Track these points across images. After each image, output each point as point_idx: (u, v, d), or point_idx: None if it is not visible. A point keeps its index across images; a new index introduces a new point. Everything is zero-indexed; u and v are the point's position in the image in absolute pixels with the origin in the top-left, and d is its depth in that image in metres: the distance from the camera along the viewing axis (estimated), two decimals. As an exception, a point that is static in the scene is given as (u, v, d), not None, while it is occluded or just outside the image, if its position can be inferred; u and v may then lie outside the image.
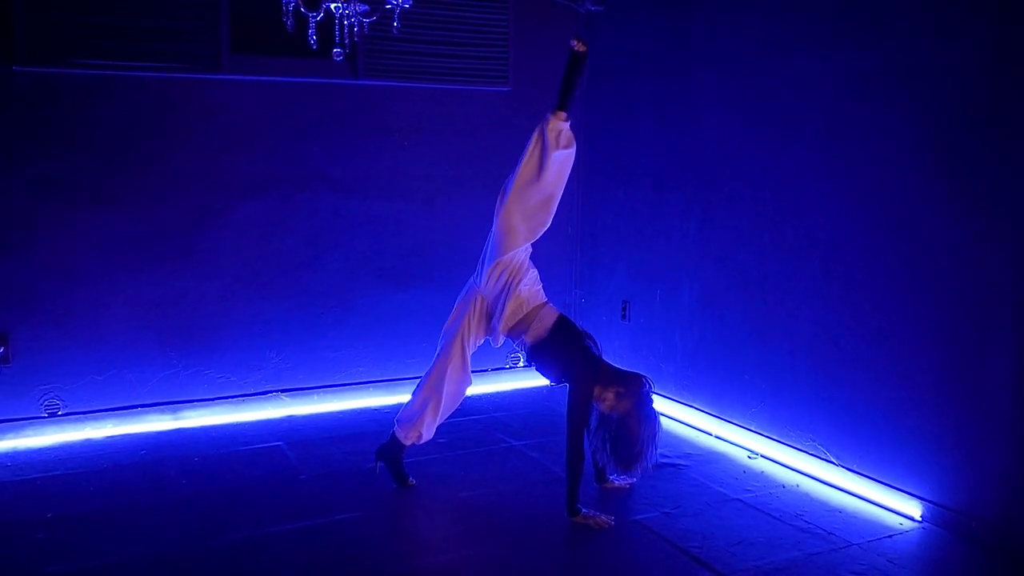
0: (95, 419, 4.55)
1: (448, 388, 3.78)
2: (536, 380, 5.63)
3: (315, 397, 5.05)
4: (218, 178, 4.71)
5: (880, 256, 3.64)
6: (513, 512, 3.59)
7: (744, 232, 4.34)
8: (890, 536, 3.38)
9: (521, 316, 3.68)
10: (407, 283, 5.27)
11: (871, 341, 3.70)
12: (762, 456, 4.23)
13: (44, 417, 4.46)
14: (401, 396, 5.19)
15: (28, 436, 4.39)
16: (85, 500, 3.66)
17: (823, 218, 3.90)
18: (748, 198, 4.31)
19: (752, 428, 4.35)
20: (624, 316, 5.29)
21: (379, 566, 3.11)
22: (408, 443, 3.83)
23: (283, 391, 4.98)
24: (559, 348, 3.62)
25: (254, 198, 4.81)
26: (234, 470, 4.03)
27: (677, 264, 4.82)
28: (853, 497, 3.74)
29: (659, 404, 4.96)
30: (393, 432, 3.86)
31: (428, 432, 3.83)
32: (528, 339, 3.67)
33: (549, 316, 3.69)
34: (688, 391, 4.80)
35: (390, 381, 5.24)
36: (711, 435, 4.56)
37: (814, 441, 4.00)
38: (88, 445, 4.36)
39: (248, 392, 4.90)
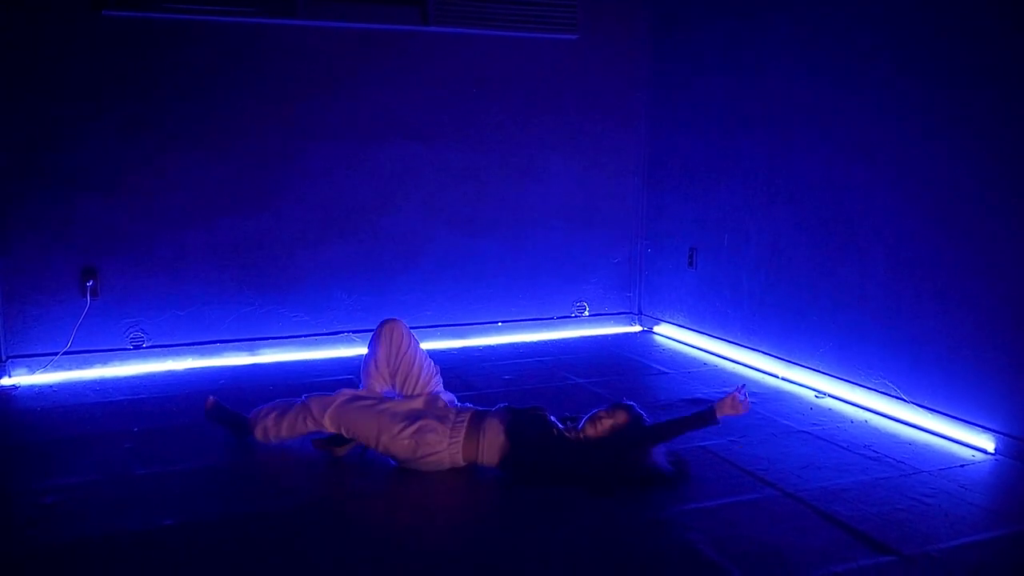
0: (176, 353, 4.75)
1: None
2: (600, 328, 5.69)
3: (385, 339, 5.17)
4: (295, 123, 4.85)
5: (958, 187, 3.58)
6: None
7: (814, 172, 4.30)
8: (962, 466, 3.33)
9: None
10: (475, 230, 5.35)
11: (945, 275, 3.64)
12: (829, 396, 4.20)
13: (129, 349, 4.67)
14: (470, 340, 5.30)
15: (114, 366, 4.61)
16: (168, 418, 3.84)
17: (897, 152, 3.84)
18: (818, 138, 4.27)
19: (819, 369, 4.32)
20: (691, 264, 5.28)
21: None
22: (255, 430, 3.40)
23: (354, 332, 5.11)
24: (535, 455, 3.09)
25: (329, 143, 4.94)
26: (306, 387, 4.17)
27: (745, 208, 4.80)
28: (924, 432, 3.70)
29: (726, 349, 4.99)
30: (249, 417, 3.44)
31: (264, 434, 3.37)
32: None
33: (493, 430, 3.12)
34: (755, 335, 4.78)
35: (456, 326, 5.34)
36: (777, 377, 4.54)
37: (883, 379, 3.95)
38: (170, 375, 4.55)
39: (320, 332, 5.05)
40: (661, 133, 5.54)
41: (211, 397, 3.58)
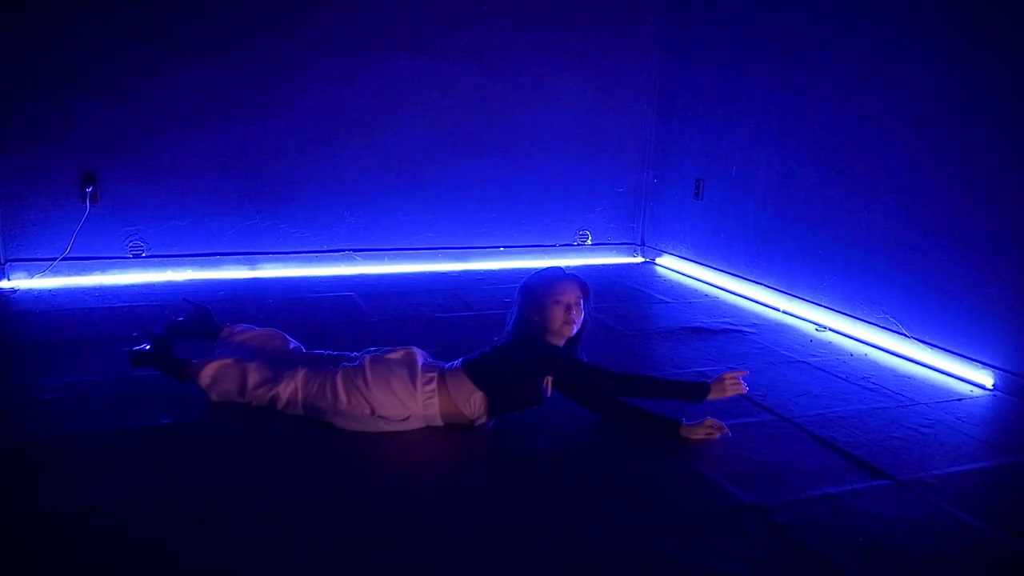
0: (176, 263, 4.72)
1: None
2: (602, 257, 5.67)
3: (386, 259, 5.14)
4: (301, 33, 4.74)
5: (975, 122, 3.51)
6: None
7: (828, 102, 4.22)
8: (960, 400, 3.34)
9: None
10: (481, 153, 5.27)
11: (954, 211, 3.60)
12: (830, 330, 4.20)
13: (129, 258, 4.64)
14: (471, 264, 5.27)
15: (113, 274, 4.59)
16: (165, 325, 3.82)
17: (917, 82, 3.76)
18: (836, 66, 4.17)
19: (822, 303, 4.30)
20: (697, 195, 5.23)
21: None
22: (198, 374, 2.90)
23: (355, 251, 5.08)
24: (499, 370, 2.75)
25: (335, 56, 4.83)
26: (308, 310, 4.17)
27: (756, 139, 4.72)
28: (923, 367, 3.70)
29: (728, 282, 4.97)
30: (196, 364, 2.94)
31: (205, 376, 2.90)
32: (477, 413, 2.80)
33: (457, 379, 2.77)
34: (757, 267, 4.75)
35: (459, 249, 5.30)
36: (778, 310, 4.53)
37: (886, 314, 3.94)
38: (169, 285, 4.53)
39: (321, 249, 5.02)
40: (673, 60, 5.42)
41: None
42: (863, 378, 3.53)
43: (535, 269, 2.94)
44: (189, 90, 4.58)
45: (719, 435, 2.78)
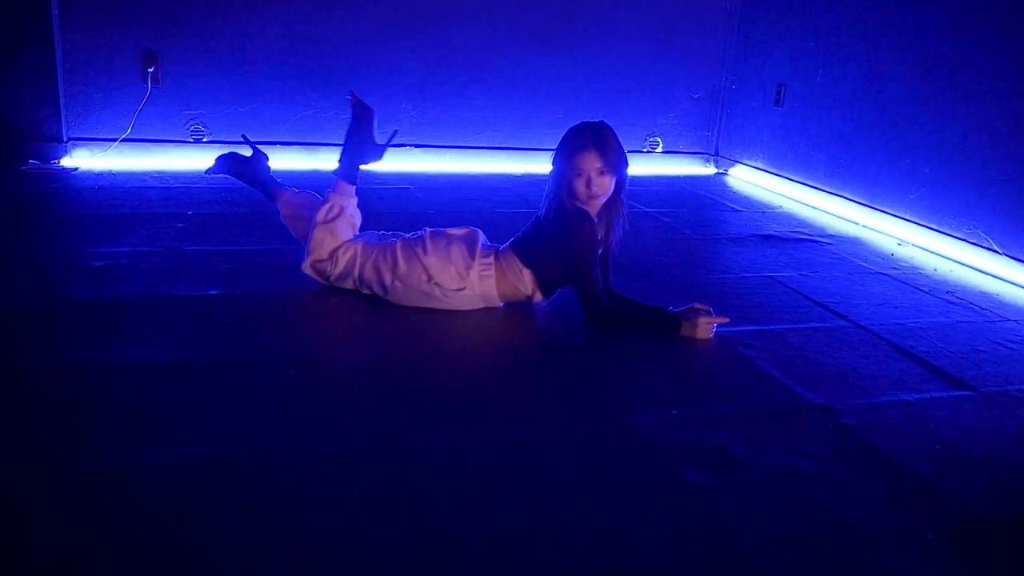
0: (235, 149, 4.63)
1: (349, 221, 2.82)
2: (672, 166, 5.43)
3: (447, 156, 5.00)
4: (366, -87, 4.54)
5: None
6: (647, 259, 3.46)
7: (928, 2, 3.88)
8: (1053, 319, 3.09)
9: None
10: (549, 49, 5.04)
11: (1066, 113, 3.28)
12: (914, 246, 3.93)
13: (189, 142, 4.59)
14: (532, 167, 5.10)
15: (173, 157, 4.54)
16: (221, 206, 3.79)
17: (1031, -27, 3.40)
18: (942, -43, 3.82)
19: (906, 217, 4.02)
20: (777, 102, 4.93)
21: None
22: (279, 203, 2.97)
23: (416, 146, 4.94)
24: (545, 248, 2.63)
25: (401, -62, 4.63)
26: (364, 201, 4.03)
27: (844, 42, 4.39)
28: (1014, 285, 3.43)
29: (805, 194, 4.70)
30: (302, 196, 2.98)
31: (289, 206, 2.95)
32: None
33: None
34: (838, 178, 4.47)
35: (524, 150, 5.13)
36: (858, 224, 4.27)
37: (977, 229, 3.66)
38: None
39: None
40: (761, -44, 5.07)
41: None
42: (947, 292, 3.29)
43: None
44: (252, -31, 4.45)
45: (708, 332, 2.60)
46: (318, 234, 2.73)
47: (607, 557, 1.54)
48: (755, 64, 5.13)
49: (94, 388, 2.03)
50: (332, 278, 2.74)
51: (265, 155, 3.04)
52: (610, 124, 2.66)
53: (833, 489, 1.82)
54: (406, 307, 2.67)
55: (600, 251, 2.66)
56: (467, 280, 2.64)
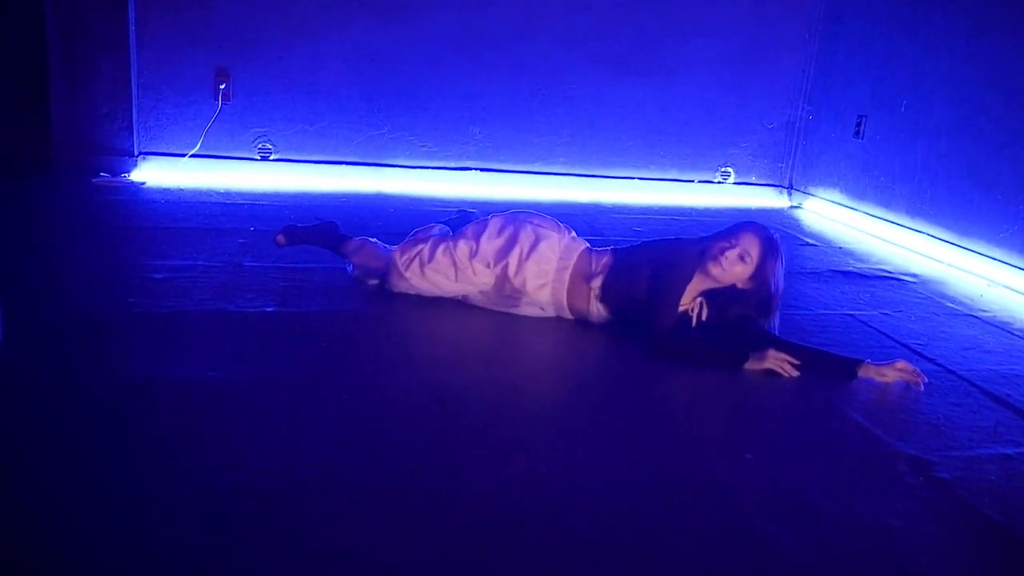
0: (302, 168, 4.64)
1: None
2: (744, 197, 5.26)
3: (513, 181, 4.91)
4: (440, -65, 4.52)
5: None
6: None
7: (1019, 19, 3.67)
8: None
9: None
10: (625, 72, 4.92)
11: None
12: (1005, 287, 3.69)
13: (256, 160, 4.59)
14: (600, 195, 4.98)
15: (241, 173, 4.55)
16: (283, 223, 3.71)
17: None
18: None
19: (996, 257, 3.79)
20: (857, 134, 4.73)
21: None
22: (351, 254, 2.97)
23: (482, 170, 4.87)
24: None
25: (473, -40, 4.59)
26: (425, 221, 3.99)
27: (931, 66, 4.19)
28: (1118, 334, 3.18)
29: (885, 230, 4.49)
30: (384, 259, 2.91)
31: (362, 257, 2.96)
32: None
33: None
34: (921, 214, 4.25)
35: (590, 176, 5.02)
36: (943, 262, 4.04)
37: (1076, 272, 3.42)
38: (294, 189, 4.46)
39: (447, 165, 4.83)
40: (844, -16, 4.90)
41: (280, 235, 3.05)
42: (1044, 338, 3.07)
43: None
44: (325, -11, 4.45)
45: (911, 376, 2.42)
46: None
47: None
48: (834, 94, 4.95)
49: (140, 404, 1.97)
50: (410, 268, 2.78)
51: (334, 223, 3.09)
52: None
53: (928, 552, 1.65)
54: (463, 334, 2.58)
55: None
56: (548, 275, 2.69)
